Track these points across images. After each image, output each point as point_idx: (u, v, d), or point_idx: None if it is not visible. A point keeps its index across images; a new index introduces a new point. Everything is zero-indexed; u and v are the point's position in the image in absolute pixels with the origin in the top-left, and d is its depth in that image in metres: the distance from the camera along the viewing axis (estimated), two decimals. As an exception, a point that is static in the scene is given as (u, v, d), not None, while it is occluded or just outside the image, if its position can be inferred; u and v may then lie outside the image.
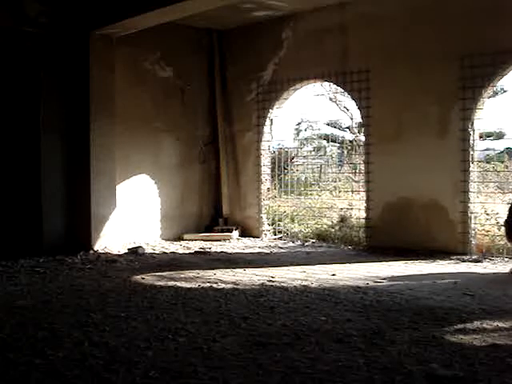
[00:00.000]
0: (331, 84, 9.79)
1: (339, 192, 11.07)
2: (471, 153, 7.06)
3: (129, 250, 7.65)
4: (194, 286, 5.58)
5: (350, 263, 6.81)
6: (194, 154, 9.36)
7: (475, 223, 7.17)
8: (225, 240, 8.76)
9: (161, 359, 3.49)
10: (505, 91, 19.90)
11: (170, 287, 5.52)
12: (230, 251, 7.84)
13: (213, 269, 6.46)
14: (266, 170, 9.20)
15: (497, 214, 7.52)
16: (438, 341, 3.78)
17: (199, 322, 4.30)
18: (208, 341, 3.82)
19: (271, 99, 8.93)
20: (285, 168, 10.68)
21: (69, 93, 7.74)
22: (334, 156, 16.62)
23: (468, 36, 6.94)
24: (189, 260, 7.14)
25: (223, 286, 5.58)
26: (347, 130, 19.20)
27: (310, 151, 19.07)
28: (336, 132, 20.62)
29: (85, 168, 7.61)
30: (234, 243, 8.59)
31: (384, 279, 5.79)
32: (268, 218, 9.21)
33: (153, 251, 7.83)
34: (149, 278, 5.96)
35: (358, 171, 10.72)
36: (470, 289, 5.30)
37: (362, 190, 8.53)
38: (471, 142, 7.05)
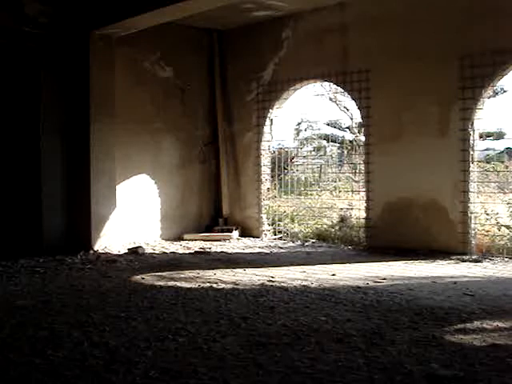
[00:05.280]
0: (331, 84, 9.79)
1: (339, 192, 11.07)
2: (471, 153, 7.06)
3: (129, 249, 7.66)
4: (194, 286, 5.58)
5: (350, 263, 6.81)
6: (194, 154, 9.36)
7: (475, 223, 7.17)
8: (225, 240, 8.76)
9: (161, 359, 3.49)
10: (505, 91, 19.89)
11: (170, 287, 5.52)
12: (230, 251, 7.84)
13: (213, 269, 6.46)
14: (266, 169, 9.20)
15: (497, 214, 7.53)
16: (437, 341, 3.78)
17: (199, 322, 4.30)
18: (208, 341, 3.82)
19: (271, 99, 8.93)
20: (285, 168, 10.68)
21: (69, 93, 7.75)
22: (334, 156, 16.60)
23: (468, 36, 6.94)
24: (189, 260, 7.14)
25: (223, 285, 5.58)
26: (347, 129, 19.17)
27: (310, 151, 19.04)
28: (336, 132, 20.61)
29: (85, 168, 7.61)
30: (234, 243, 8.58)
31: (384, 279, 5.79)
32: (268, 218, 9.21)
33: (153, 251, 7.83)
34: (149, 278, 5.96)
35: (357, 171, 10.71)
36: (470, 289, 5.30)
37: (361, 189, 8.53)
38: (471, 142, 7.06)
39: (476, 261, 6.75)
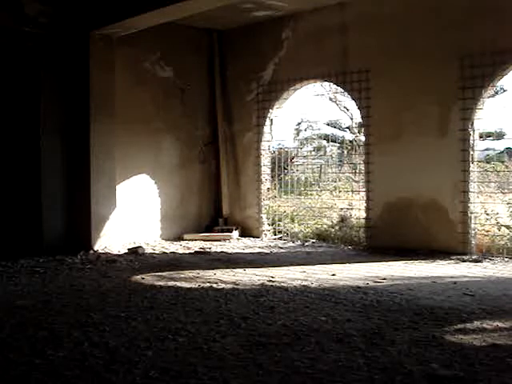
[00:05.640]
0: (331, 84, 9.79)
1: (339, 192, 11.06)
2: (471, 153, 7.06)
3: (129, 249, 7.66)
4: (194, 286, 5.58)
5: (349, 263, 6.81)
6: (194, 154, 9.36)
7: (475, 223, 7.17)
8: (225, 240, 8.76)
9: (161, 359, 3.49)
10: (505, 91, 19.88)
11: (170, 287, 5.52)
12: (230, 251, 7.84)
13: (213, 269, 6.46)
14: (265, 170, 9.20)
15: (497, 214, 7.52)
16: (437, 341, 3.78)
17: (199, 321, 4.30)
18: (208, 341, 3.82)
19: (271, 99, 8.93)
20: (285, 168, 10.67)
21: (69, 93, 7.74)
22: (334, 156, 16.61)
23: (468, 36, 6.94)
24: (189, 260, 7.14)
25: (223, 285, 5.58)
26: (347, 129, 19.18)
27: (310, 151, 19.05)
28: (336, 132, 20.61)
29: (85, 168, 7.61)
30: (234, 243, 8.58)
31: (384, 279, 5.79)
32: (268, 218, 9.21)
33: (153, 251, 7.83)
34: (149, 278, 5.96)
35: (357, 171, 10.71)
36: (470, 289, 5.30)
37: (361, 189, 8.53)
38: (471, 142, 7.06)
39: (476, 261, 6.75)
